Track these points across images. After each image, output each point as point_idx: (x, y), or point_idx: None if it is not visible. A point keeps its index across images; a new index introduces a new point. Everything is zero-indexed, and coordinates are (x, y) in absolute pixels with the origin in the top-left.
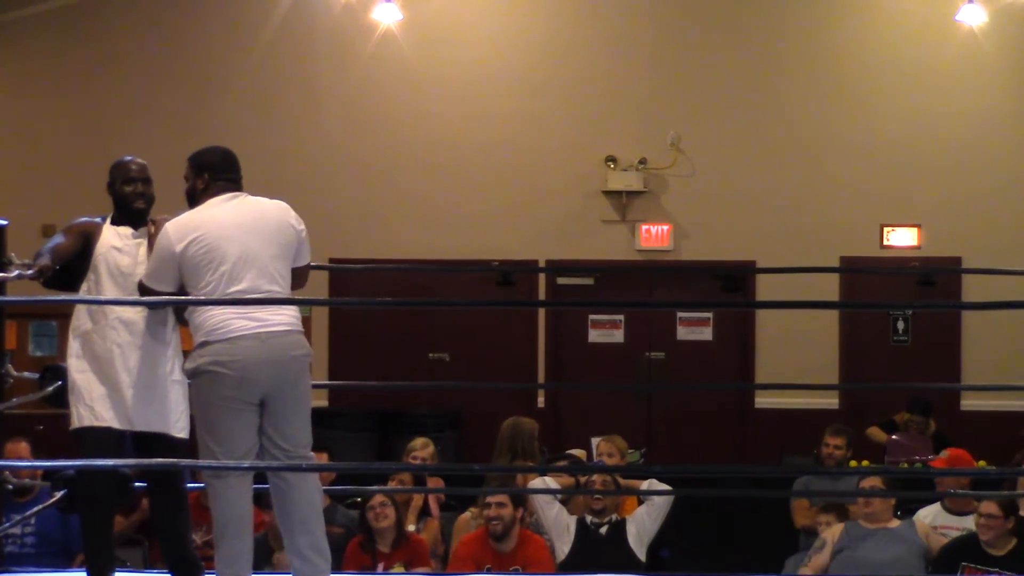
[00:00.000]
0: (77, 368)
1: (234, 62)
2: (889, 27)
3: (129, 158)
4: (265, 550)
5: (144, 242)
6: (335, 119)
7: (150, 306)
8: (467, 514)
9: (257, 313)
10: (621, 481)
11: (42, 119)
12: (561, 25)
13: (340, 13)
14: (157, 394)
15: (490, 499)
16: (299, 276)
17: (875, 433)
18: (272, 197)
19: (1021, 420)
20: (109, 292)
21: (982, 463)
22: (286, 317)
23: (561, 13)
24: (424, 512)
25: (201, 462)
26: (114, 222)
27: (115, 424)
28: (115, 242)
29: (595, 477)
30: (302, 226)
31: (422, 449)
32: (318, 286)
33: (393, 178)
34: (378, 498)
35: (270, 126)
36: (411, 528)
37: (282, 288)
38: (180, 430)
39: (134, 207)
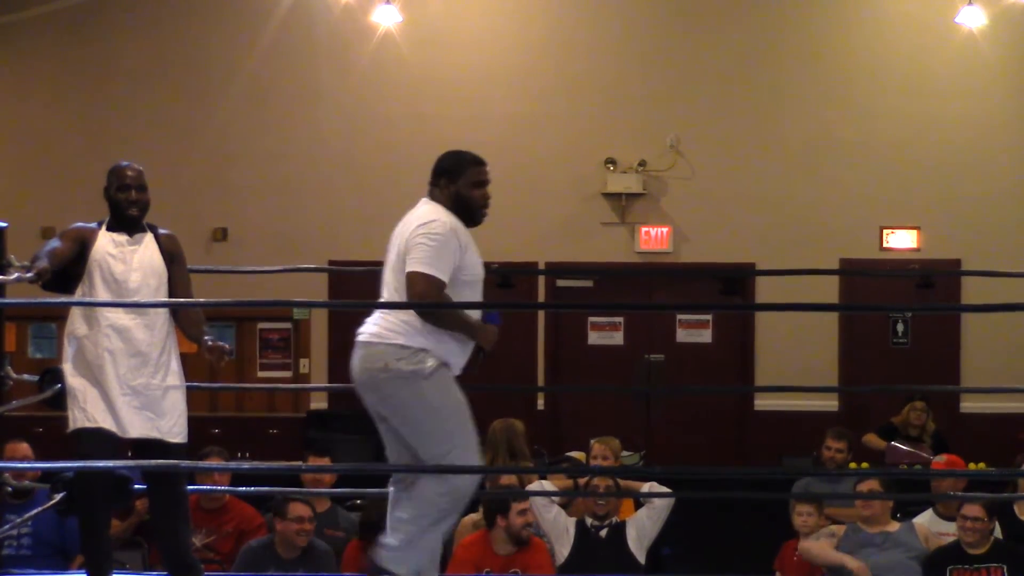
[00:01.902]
0: (71, 372)
1: (234, 64)
2: (889, 29)
3: (125, 164)
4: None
5: (139, 249)
6: (335, 121)
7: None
8: (470, 518)
9: (367, 321)
10: (620, 482)
11: (42, 121)
12: (560, 27)
13: (340, 15)
14: (149, 401)
15: (517, 506)
16: (407, 283)
17: (872, 440)
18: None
19: (1020, 422)
20: (102, 298)
21: (981, 465)
22: (373, 327)
23: (560, 16)
24: None
25: (192, 464)
26: (110, 228)
27: (108, 426)
28: (110, 249)
29: (597, 480)
30: (420, 231)
31: None
32: (317, 287)
33: (392, 180)
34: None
35: (270, 128)
36: None
37: (388, 298)
38: (176, 435)
39: (127, 214)
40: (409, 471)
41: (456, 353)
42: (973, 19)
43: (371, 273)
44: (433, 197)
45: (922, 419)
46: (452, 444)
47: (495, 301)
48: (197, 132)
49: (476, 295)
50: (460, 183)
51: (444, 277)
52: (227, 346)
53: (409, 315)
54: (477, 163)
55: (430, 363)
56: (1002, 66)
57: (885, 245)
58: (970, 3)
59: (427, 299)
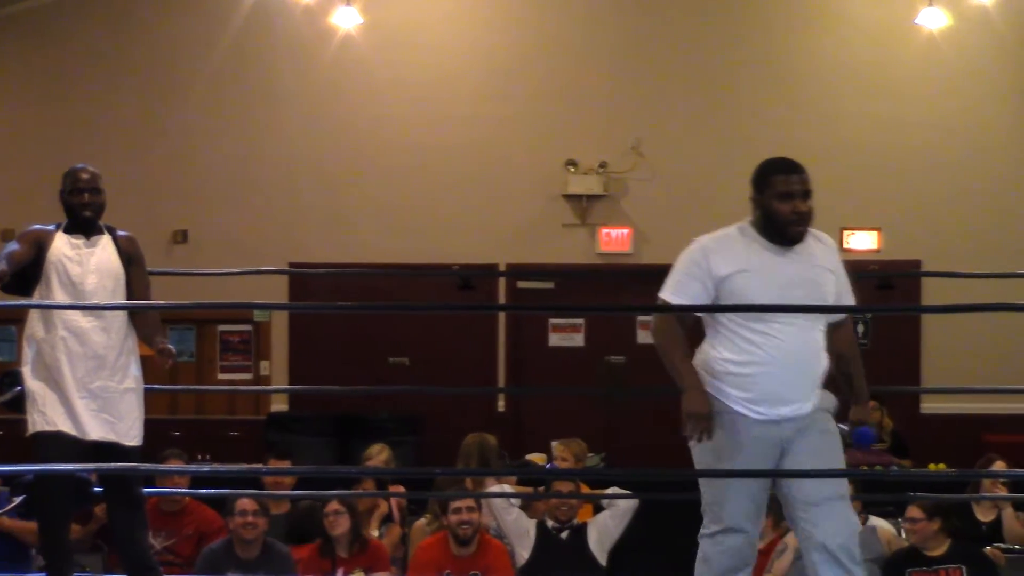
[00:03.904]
0: (30, 375)
1: (194, 65)
2: (849, 31)
3: (80, 167)
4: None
5: (96, 251)
6: (296, 123)
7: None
8: (422, 520)
9: None
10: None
11: (1, 123)
12: (522, 29)
13: (301, 17)
14: (107, 404)
15: (458, 504)
16: None
17: None
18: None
19: (981, 423)
20: (60, 301)
21: (941, 466)
22: None
23: (522, 17)
24: (388, 517)
25: (152, 467)
26: (67, 230)
27: (67, 429)
28: (67, 251)
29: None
30: None
31: (377, 456)
32: (278, 289)
33: (354, 182)
34: (332, 505)
35: (230, 130)
36: (375, 534)
37: None
38: (132, 438)
39: (81, 216)
40: (389, 473)
41: (740, 396)
42: (934, 20)
43: (333, 275)
44: (751, 216)
45: (876, 417)
46: (714, 509)
47: (456, 304)
48: (158, 134)
49: (748, 334)
50: (765, 196)
51: (679, 299)
52: (174, 349)
53: (701, 346)
54: (784, 171)
55: None
56: (963, 67)
57: (845, 246)
58: (930, 4)
59: (655, 324)
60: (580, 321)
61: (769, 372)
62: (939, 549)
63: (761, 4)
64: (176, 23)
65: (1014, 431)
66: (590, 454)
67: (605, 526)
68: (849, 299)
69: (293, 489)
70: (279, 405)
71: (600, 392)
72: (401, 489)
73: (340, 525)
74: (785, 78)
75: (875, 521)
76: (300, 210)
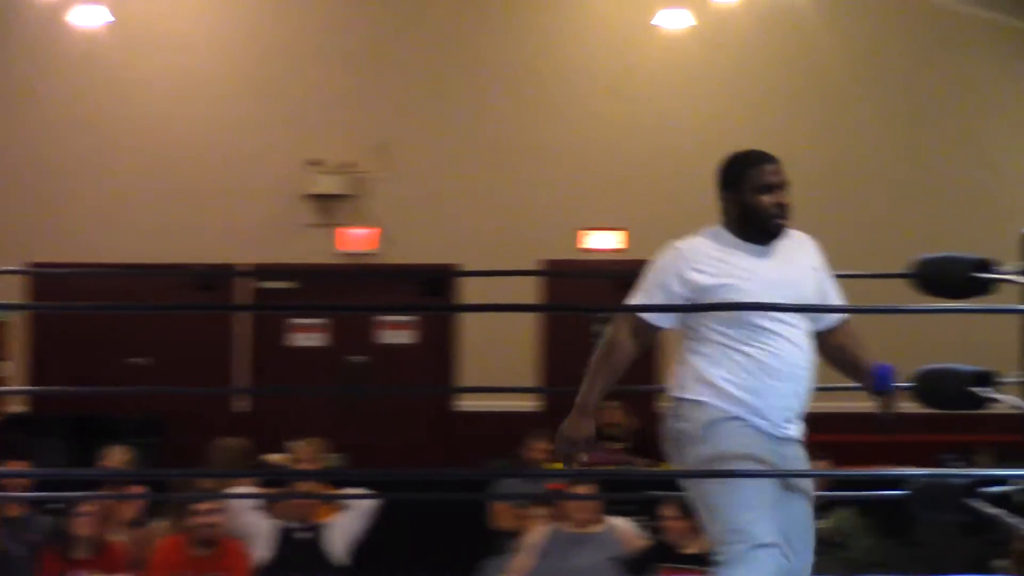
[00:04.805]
0: None
1: None
2: (587, 32)
3: None
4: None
5: None
6: (39, 122)
7: None
8: (162, 522)
9: None
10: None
11: None
12: (267, 29)
13: (44, 15)
14: None
15: (201, 506)
16: None
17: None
18: None
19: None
20: None
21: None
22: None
23: (267, 17)
24: (134, 521)
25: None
26: None
27: None
28: None
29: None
30: None
31: (113, 458)
32: (20, 290)
33: (96, 182)
34: (86, 506)
35: None
36: (119, 537)
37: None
38: None
39: None
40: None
41: (755, 403)
42: (673, 21)
43: (73, 276)
44: (721, 218)
45: (616, 417)
46: (738, 528)
47: (199, 304)
48: None
49: (745, 340)
50: (742, 191)
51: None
52: None
53: (684, 358)
54: (758, 161)
55: (705, 419)
56: (702, 67)
57: (583, 246)
58: (672, 6)
59: (612, 328)
60: (322, 321)
61: (767, 386)
62: (693, 546)
63: (504, 5)
64: None
65: None
66: (331, 454)
67: (345, 526)
68: (835, 296)
69: (32, 491)
70: (19, 407)
71: (341, 392)
72: (142, 490)
73: (88, 526)
74: (525, 80)
75: (613, 520)
76: (41, 210)
